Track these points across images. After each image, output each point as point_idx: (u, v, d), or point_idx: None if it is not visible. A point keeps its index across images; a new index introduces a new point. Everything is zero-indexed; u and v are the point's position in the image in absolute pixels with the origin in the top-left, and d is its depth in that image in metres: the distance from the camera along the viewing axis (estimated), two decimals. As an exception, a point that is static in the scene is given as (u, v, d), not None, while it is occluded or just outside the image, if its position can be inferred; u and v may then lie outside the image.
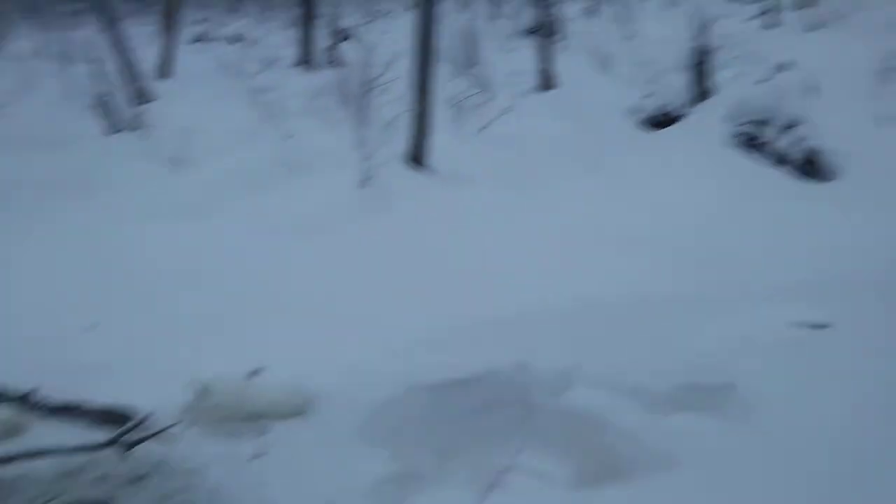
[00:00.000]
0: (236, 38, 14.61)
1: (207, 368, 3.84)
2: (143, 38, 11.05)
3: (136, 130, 7.66)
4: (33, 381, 3.76)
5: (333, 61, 10.78)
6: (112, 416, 3.56)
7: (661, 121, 8.32)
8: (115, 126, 7.82)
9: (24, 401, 3.66)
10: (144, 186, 6.47)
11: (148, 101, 8.74)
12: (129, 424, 3.30)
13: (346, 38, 11.71)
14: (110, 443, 3.24)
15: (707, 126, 7.72)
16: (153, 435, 3.23)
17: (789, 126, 7.11)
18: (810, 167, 6.88)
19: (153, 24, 12.02)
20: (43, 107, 8.94)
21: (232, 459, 3.33)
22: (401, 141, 6.84)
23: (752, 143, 7.29)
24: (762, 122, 7.27)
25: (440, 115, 7.28)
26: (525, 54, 10.25)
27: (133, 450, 3.22)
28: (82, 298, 4.82)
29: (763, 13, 10.81)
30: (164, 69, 10.52)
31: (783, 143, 7.07)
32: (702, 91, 8.38)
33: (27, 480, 3.21)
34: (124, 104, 8.29)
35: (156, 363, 4.05)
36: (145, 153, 6.98)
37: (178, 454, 3.36)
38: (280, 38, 13.27)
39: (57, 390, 3.74)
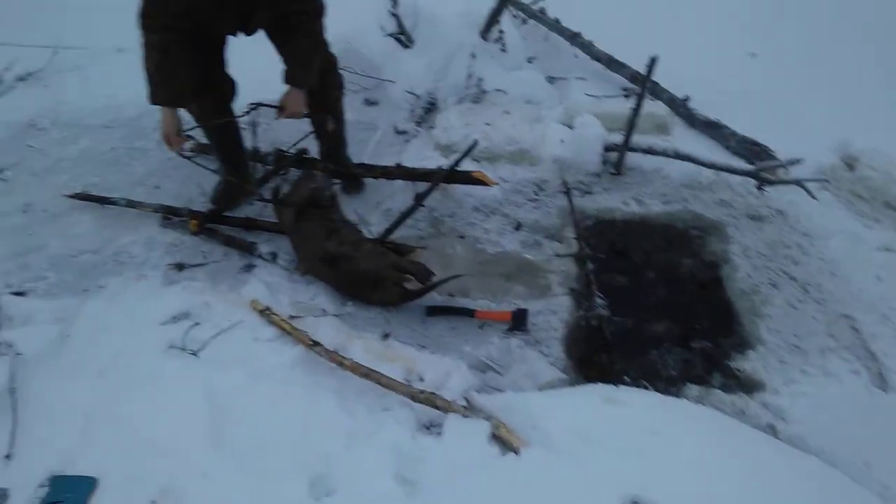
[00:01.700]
0: None
1: (861, 136, 3.51)
2: None
3: None
4: (686, 91, 4.00)
5: None
6: (751, 148, 3.61)
7: None
8: None
9: (676, 106, 3.96)
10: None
11: None
12: (770, 163, 3.30)
13: None
14: (742, 172, 3.32)
15: None
16: (790, 182, 3.16)
17: None
18: None
19: None
20: None
21: (858, 241, 3.11)
22: None
23: None
24: None
25: None
26: None
27: (764, 189, 3.24)
28: (746, 28, 4.70)
29: None
30: None
31: None
32: None
33: (659, 176, 3.59)
34: None
35: (804, 124, 3.81)
36: None
37: (800, 211, 3.29)
38: None
39: (705, 106, 3.94)
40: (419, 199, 3.26)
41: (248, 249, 3.02)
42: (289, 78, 2.82)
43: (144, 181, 3.49)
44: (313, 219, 2.88)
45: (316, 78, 2.91)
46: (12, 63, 4.17)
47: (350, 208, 3.32)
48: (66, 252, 3.03)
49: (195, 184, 3.44)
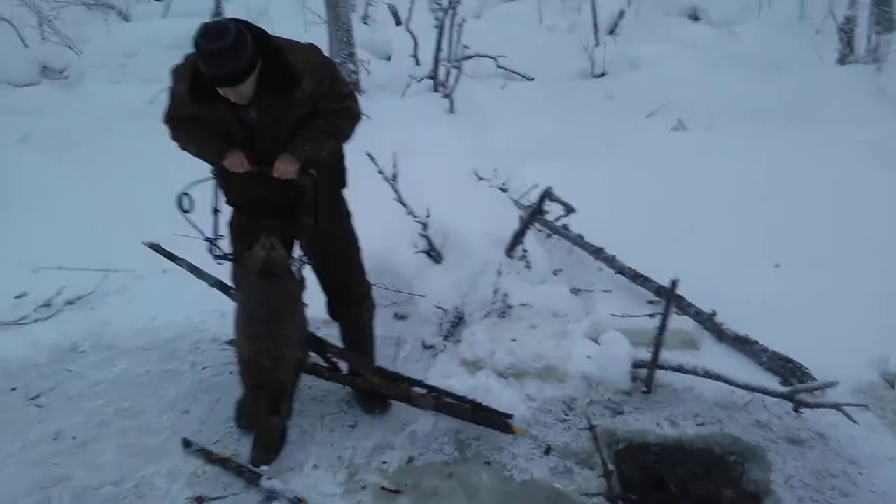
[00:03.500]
0: None
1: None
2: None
3: (874, 63, 7.09)
4: (712, 305, 4.00)
5: None
6: (784, 366, 3.53)
7: None
8: (848, 55, 7.41)
9: (703, 320, 3.95)
10: (873, 125, 5.92)
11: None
12: (805, 385, 3.21)
13: None
14: (776, 394, 3.24)
15: None
16: (828, 406, 3.06)
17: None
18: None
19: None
20: (772, 27, 9.30)
21: (909, 469, 2.93)
22: None
23: None
24: None
25: None
26: None
27: (801, 411, 3.13)
28: (768, 238, 4.75)
29: None
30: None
31: None
32: None
33: (692, 395, 3.51)
34: (866, 31, 7.74)
35: (838, 338, 3.71)
36: (880, 89, 6.42)
37: (843, 435, 3.14)
38: None
39: (734, 319, 3.91)
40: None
41: (253, 481, 2.96)
42: (288, 143, 2.85)
43: (175, 405, 3.53)
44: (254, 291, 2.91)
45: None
46: (63, 288, 4.41)
47: (372, 433, 3.29)
48: (89, 484, 3.01)
49: (223, 406, 3.47)
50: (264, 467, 2.99)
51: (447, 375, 3.71)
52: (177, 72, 2.81)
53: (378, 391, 3.42)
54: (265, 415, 2.98)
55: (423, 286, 4.46)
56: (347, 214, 3.27)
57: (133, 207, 5.15)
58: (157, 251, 3.61)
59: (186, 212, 2.99)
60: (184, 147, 2.96)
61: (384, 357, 3.78)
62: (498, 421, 3.23)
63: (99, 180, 5.64)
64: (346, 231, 3.27)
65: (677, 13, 11.23)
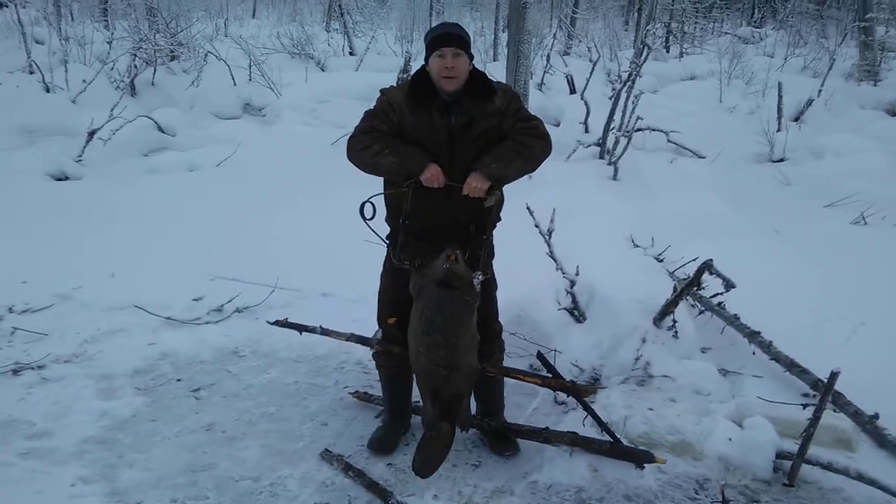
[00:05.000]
0: None
1: None
2: None
3: None
4: (876, 408, 3.72)
5: None
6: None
7: None
8: None
9: (863, 422, 3.68)
10: None
11: None
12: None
13: None
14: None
15: None
16: None
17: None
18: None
19: None
20: None
21: None
22: None
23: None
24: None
25: None
26: None
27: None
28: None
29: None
30: None
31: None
32: None
33: (840, 497, 3.27)
34: None
35: None
36: None
37: None
38: None
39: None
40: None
41: (384, 497, 3.11)
42: (477, 162, 3.05)
43: (315, 417, 3.79)
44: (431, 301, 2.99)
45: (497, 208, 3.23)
46: (236, 297, 4.90)
47: (494, 475, 3.37)
48: (231, 475, 3.30)
49: (359, 425, 3.69)
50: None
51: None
52: (385, 90, 3.17)
53: (509, 431, 3.50)
54: (437, 420, 3.05)
55: (562, 343, 4.51)
56: (491, 257, 3.44)
57: (306, 232, 5.64)
58: (284, 326, 3.77)
59: (369, 219, 3.18)
60: (373, 160, 3.05)
61: (514, 405, 3.86)
62: (639, 453, 3.31)
63: (279, 204, 6.24)
64: (490, 272, 3.43)
65: (873, 106, 10.70)
